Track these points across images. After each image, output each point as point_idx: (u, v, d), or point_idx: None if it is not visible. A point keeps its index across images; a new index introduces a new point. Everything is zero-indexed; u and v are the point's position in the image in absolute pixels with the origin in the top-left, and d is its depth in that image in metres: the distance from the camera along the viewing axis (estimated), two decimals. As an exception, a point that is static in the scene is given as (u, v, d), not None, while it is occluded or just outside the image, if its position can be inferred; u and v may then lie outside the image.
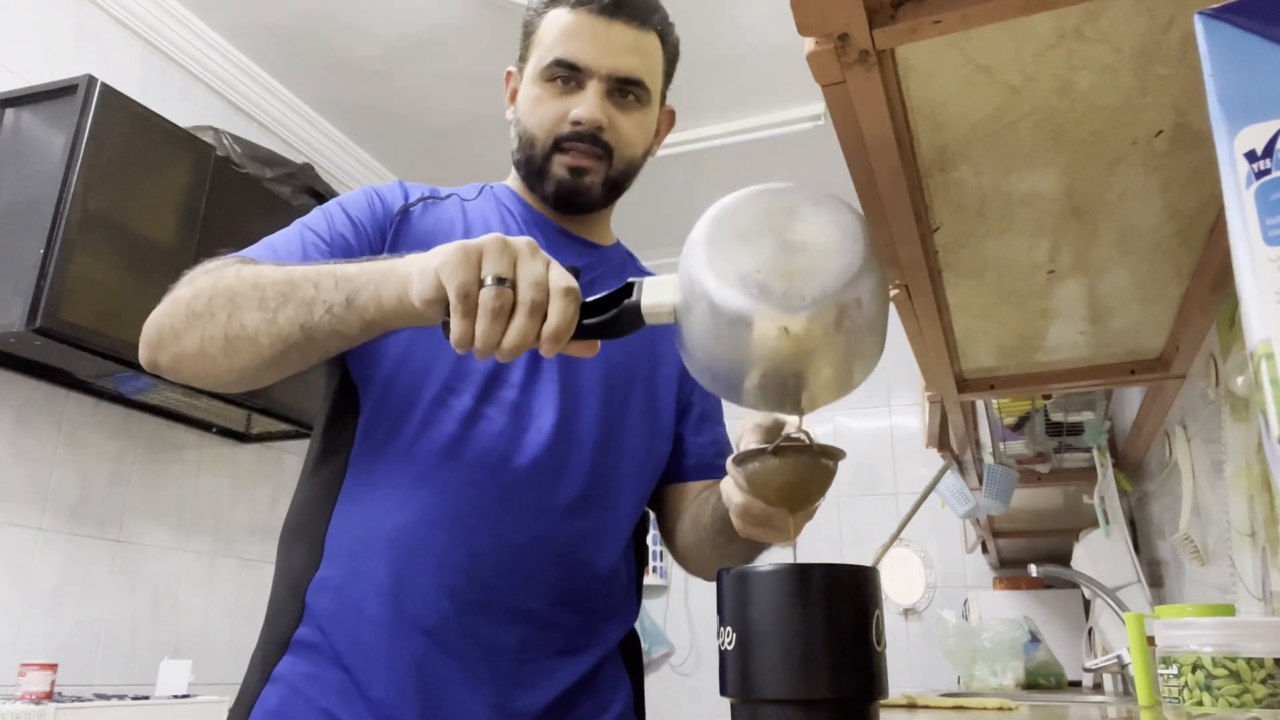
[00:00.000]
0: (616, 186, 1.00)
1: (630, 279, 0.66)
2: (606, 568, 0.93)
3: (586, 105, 0.94)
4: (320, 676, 0.83)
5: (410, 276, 0.68)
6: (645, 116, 1.01)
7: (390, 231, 0.94)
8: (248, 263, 0.82)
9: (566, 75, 0.95)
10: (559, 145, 0.96)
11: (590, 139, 0.95)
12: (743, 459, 0.66)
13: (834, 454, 0.64)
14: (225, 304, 0.77)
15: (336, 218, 0.92)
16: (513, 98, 1.04)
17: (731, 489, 0.74)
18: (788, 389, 0.61)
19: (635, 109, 0.98)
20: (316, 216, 0.93)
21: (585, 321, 0.66)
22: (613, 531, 0.94)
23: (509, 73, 1.05)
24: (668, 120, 1.07)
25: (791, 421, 0.68)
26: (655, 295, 0.65)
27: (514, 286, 0.63)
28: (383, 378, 0.90)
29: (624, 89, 0.97)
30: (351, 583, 0.85)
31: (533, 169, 0.98)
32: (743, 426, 0.73)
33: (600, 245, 1.05)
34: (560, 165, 0.96)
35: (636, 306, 0.65)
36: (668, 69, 1.03)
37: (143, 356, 0.82)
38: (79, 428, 2.34)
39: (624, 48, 0.96)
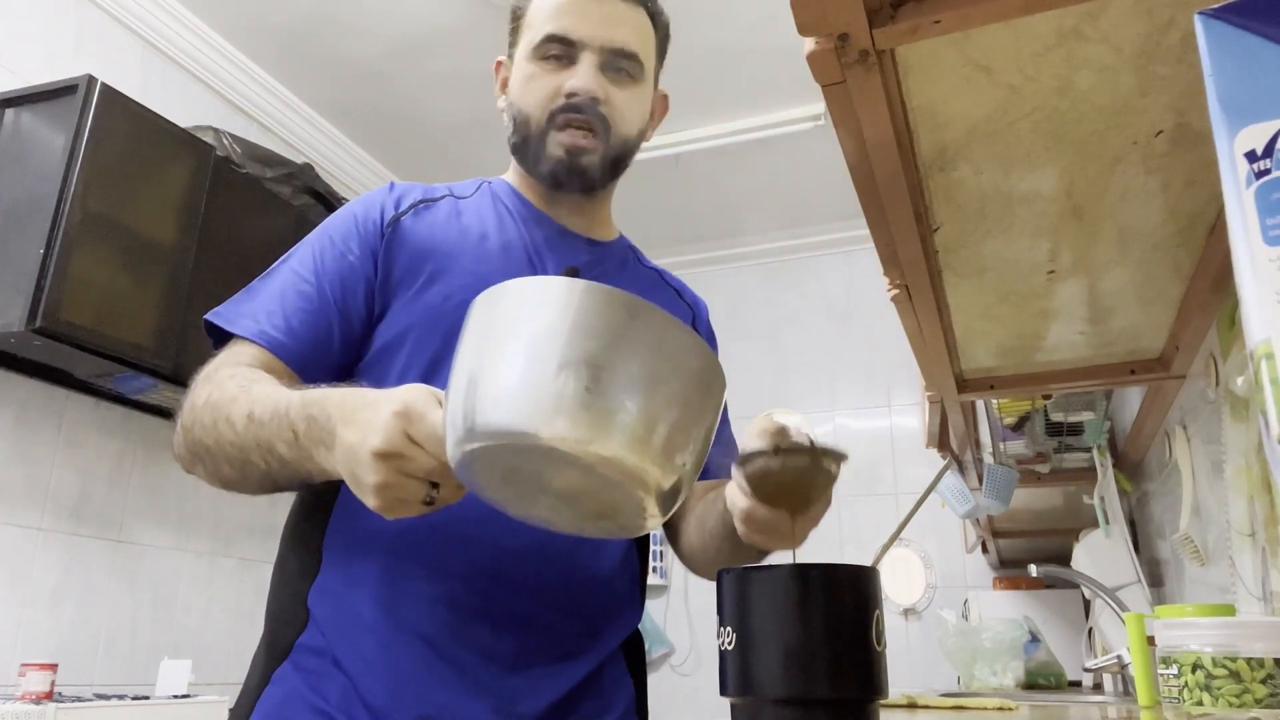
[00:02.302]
0: (614, 166, 0.98)
1: None
2: (606, 571, 0.92)
3: (581, 76, 0.92)
4: (321, 681, 0.83)
5: (346, 475, 0.69)
6: (640, 92, 0.99)
7: (382, 248, 0.92)
8: (230, 368, 0.83)
9: (559, 52, 0.94)
10: (554, 121, 0.94)
11: (586, 110, 0.93)
12: (745, 460, 0.66)
13: (835, 456, 0.64)
14: (205, 453, 0.81)
15: (327, 255, 0.91)
16: (503, 86, 1.02)
17: (735, 494, 0.74)
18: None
19: (629, 84, 0.96)
20: (305, 255, 0.92)
21: None
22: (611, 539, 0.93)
23: (499, 62, 1.04)
24: (662, 104, 1.05)
25: (794, 424, 0.68)
26: None
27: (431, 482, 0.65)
28: (390, 383, 0.88)
29: (617, 62, 0.95)
30: (349, 589, 0.85)
31: (528, 150, 0.96)
32: (748, 430, 0.73)
33: (601, 241, 1.04)
34: (556, 144, 0.94)
35: None
36: (660, 48, 1.02)
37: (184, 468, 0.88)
38: (79, 428, 2.34)
39: (615, 20, 0.95)
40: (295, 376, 0.86)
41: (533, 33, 0.96)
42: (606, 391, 0.50)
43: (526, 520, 0.63)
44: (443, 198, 0.99)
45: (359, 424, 0.66)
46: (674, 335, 0.53)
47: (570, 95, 0.92)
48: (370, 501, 0.66)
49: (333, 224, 0.94)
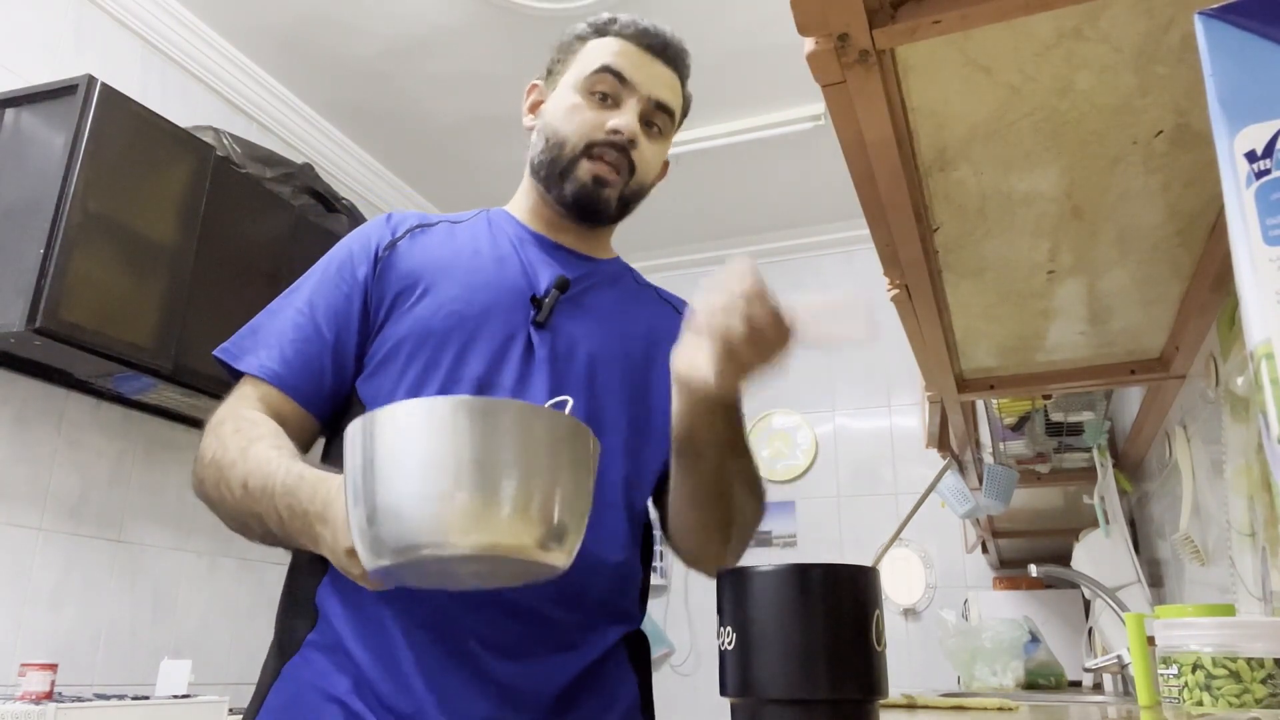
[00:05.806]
0: (626, 206, 1.04)
1: None
2: (607, 564, 0.93)
3: (625, 117, 0.99)
4: (332, 672, 0.86)
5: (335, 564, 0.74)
6: (663, 149, 1.06)
7: (375, 274, 0.97)
8: (233, 421, 0.88)
9: (608, 89, 1.00)
10: (590, 150, 0.99)
11: (620, 150, 0.99)
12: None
13: None
14: (214, 505, 0.87)
15: (324, 289, 0.96)
16: (533, 109, 1.07)
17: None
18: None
19: (657, 139, 1.04)
20: (305, 291, 0.97)
21: None
22: (604, 526, 0.94)
23: (534, 85, 1.08)
24: (665, 169, 1.11)
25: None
26: None
27: None
28: (386, 392, 0.93)
29: (654, 115, 1.02)
30: (354, 584, 0.86)
31: (555, 170, 1.00)
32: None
33: (595, 258, 1.07)
34: (586, 171, 0.99)
35: None
36: (681, 118, 1.09)
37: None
38: (79, 428, 2.34)
39: (663, 82, 1.03)
40: (295, 404, 0.93)
41: (586, 65, 1.01)
42: (480, 492, 0.58)
43: (457, 590, 0.68)
44: (439, 223, 1.04)
45: (329, 523, 0.73)
46: (526, 420, 0.61)
47: (613, 132, 0.98)
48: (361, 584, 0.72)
49: (332, 257, 1.00)
